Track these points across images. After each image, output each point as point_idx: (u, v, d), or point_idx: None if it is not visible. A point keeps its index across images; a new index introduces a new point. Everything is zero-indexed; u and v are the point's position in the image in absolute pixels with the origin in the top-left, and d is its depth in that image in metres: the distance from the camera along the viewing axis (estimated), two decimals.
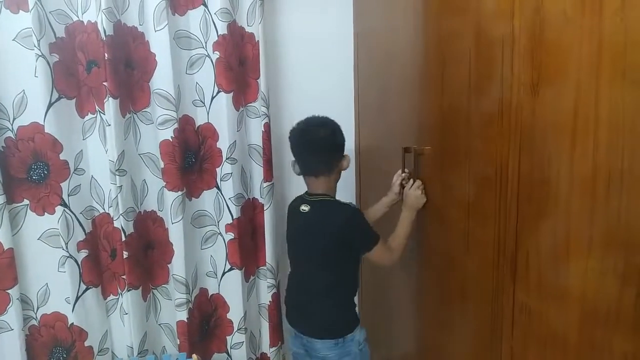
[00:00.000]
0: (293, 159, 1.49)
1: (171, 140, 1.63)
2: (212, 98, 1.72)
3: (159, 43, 1.60)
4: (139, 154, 1.67)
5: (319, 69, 1.90)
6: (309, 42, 1.88)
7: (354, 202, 1.90)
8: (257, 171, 1.79)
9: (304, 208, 1.45)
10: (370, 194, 1.86)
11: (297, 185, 1.65)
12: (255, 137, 1.77)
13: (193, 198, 1.75)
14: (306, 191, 1.49)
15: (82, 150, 1.62)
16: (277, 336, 1.86)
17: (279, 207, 1.83)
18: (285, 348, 1.85)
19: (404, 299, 1.65)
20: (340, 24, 1.91)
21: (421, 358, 1.54)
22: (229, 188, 1.75)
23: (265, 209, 1.78)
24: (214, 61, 1.69)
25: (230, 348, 1.85)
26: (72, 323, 1.63)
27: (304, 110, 1.56)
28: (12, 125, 1.53)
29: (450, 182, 1.27)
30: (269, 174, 1.77)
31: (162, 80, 1.61)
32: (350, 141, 1.76)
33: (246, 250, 1.82)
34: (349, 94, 1.96)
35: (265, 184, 1.77)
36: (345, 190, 1.82)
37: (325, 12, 1.89)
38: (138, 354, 1.66)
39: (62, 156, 1.57)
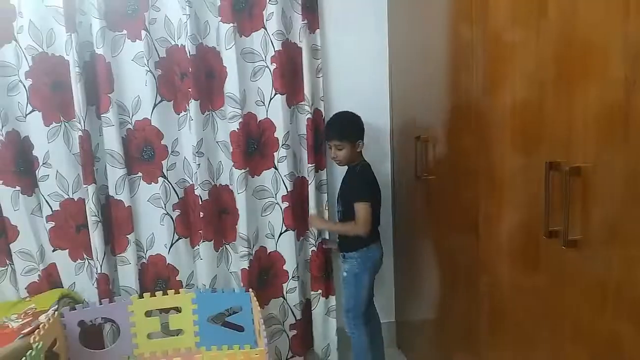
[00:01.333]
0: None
1: (237, 131, 2.18)
2: (270, 99, 2.24)
3: (230, 58, 2.15)
4: (216, 142, 2.25)
5: (358, 74, 2.36)
6: (349, 53, 2.35)
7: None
8: (305, 155, 2.29)
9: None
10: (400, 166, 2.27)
11: (335, 168, 2.19)
12: (303, 128, 2.27)
13: (255, 176, 2.30)
14: None
15: (177, 138, 2.23)
16: (317, 284, 2.34)
17: (320, 189, 2.32)
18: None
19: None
20: (376, 35, 2.35)
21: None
22: (284, 168, 2.27)
23: (309, 184, 2.28)
24: (271, 71, 2.21)
25: (286, 293, 2.37)
26: (169, 263, 2.27)
27: (348, 107, 2.14)
28: (131, 120, 2.18)
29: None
30: (311, 158, 2.26)
31: (232, 86, 2.17)
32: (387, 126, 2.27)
33: (297, 216, 2.33)
34: (384, 96, 2.40)
35: (309, 165, 2.26)
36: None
37: (362, 26, 2.33)
38: (212, 288, 2.25)
39: (163, 142, 2.20)
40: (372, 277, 2.17)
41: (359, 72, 2.37)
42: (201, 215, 2.20)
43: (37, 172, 2.11)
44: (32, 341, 1.66)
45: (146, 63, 2.10)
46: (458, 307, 1.78)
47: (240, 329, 2.11)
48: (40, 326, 1.77)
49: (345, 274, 2.16)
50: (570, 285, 1.10)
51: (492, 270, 1.48)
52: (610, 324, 0.98)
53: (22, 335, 1.81)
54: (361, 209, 2.03)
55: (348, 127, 2.10)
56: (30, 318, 1.95)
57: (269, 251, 2.36)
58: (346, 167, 2.17)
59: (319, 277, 2.34)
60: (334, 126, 2.13)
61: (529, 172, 1.24)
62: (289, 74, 2.23)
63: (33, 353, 1.61)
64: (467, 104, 1.55)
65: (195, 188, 2.21)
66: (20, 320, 1.96)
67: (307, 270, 2.39)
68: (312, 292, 2.36)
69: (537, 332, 1.25)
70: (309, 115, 2.22)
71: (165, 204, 2.21)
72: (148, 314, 2.07)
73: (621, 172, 0.93)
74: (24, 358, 1.56)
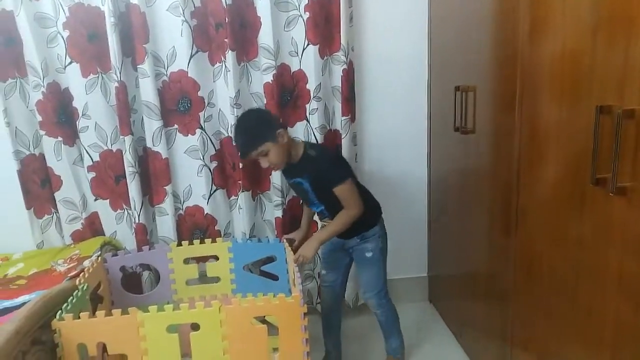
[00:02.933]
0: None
1: (271, 82, 2.17)
2: (303, 49, 2.20)
3: (264, 7, 2.11)
4: (250, 93, 2.25)
5: (393, 21, 2.28)
6: (386, 2, 2.26)
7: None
8: (338, 108, 2.26)
9: None
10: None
11: (371, 121, 2.15)
12: (337, 80, 2.23)
13: (288, 127, 2.29)
14: None
15: (213, 90, 2.24)
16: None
17: (353, 140, 2.29)
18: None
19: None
20: None
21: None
22: (315, 120, 2.25)
23: (342, 137, 2.25)
24: (305, 20, 2.16)
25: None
26: (207, 213, 2.32)
27: (381, 58, 2.02)
28: (166, 71, 2.18)
29: None
30: (346, 110, 2.23)
31: (266, 36, 2.14)
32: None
33: None
34: (422, 44, 2.31)
35: (343, 118, 2.24)
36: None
37: None
38: (249, 238, 2.30)
39: (199, 94, 2.20)
40: None
41: (394, 19, 2.29)
42: (240, 167, 2.22)
43: (77, 123, 2.16)
44: (77, 283, 1.74)
45: (182, 13, 2.08)
46: (494, 259, 1.77)
47: (274, 277, 2.15)
48: (85, 270, 1.85)
49: (370, 254, 1.92)
50: (615, 234, 1.07)
51: (532, 221, 1.45)
52: None
53: (68, 277, 1.90)
54: (344, 190, 1.77)
55: (254, 130, 1.76)
56: (75, 263, 2.04)
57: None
58: (298, 165, 1.83)
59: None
60: (239, 139, 1.80)
61: (576, 118, 1.19)
62: (322, 24, 2.17)
63: (79, 294, 1.69)
64: (512, 51, 1.48)
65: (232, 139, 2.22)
66: (67, 264, 2.06)
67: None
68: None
69: (577, 283, 1.23)
70: (344, 66, 2.17)
71: (202, 156, 2.23)
72: (186, 261, 2.14)
73: None
74: (71, 297, 1.64)
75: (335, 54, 2.21)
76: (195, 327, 1.57)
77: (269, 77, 2.17)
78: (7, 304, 1.80)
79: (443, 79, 2.18)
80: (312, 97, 2.23)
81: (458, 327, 2.26)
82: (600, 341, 1.15)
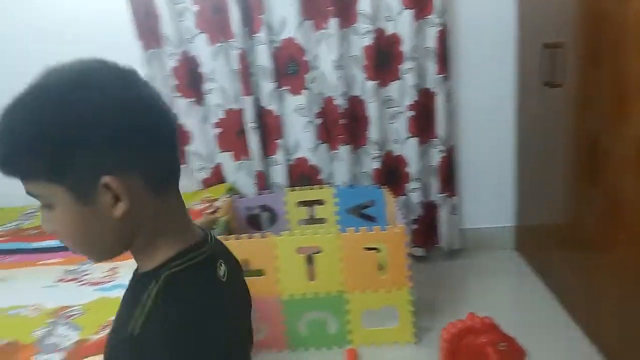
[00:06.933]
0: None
1: (368, 46, 2.42)
2: (398, 14, 2.43)
3: None
4: (350, 56, 2.51)
5: None
6: None
7: None
8: (432, 67, 2.48)
9: (221, 272, 0.76)
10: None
11: (462, 79, 2.41)
12: (431, 41, 2.44)
13: (384, 87, 2.54)
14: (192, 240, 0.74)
15: (317, 54, 2.53)
16: (441, 187, 2.60)
17: (448, 97, 2.51)
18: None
19: None
20: None
21: None
22: (409, 79, 2.48)
23: (436, 95, 2.48)
24: None
25: (409, 192, 2.62)
26: (312, 164, 2.64)
27: (472, 19, 2.23)
28: (278, 38, 2.50)
29: None
30: (441, 69, 2.44)
31: (364, 2, 2.38)
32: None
33: (421, 125, 2.56)
34: (511, 9, 2.46)
35: (437, 76, 2.46)
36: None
37: None
38: (350, 185, 2.61)
39: (305, 58, 2.51)
40: None
41: None
42: (341, 123, 2.52)
43: (205, 86, 2.54)
44: (218, 215, 2.14)
45: None
46: (579, 208, 1.94)
47: (374, 220, 2.46)
48: (221, 207, 2.24)
49: None
50: None
51: (617, 172, 1.61)
52: None
53: (206, 213, 2.31)
54: None
55: (24, 138, 0.61)
56: (208, 203, 2.45)
57: (395, 154, 2.65)
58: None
59: (443, 180, 2.60)
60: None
61: None
62: None
63: (220, 224, 2.09)
64: (601, 7, 1.62)
65: (334, 99, 2.51)
66: (201, 205, 2.47)
67: (431, 173, 2.64)
68: (438, 195, 2.64)
69: None
70: (439, 27, 2.38)
71: (309, 113, 2.55)
72: (298, 205, 2.49)
73: None
74: (214, 226, 2.03)
75: (429, 16, 2.42)
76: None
77: (367, 41, 2.43)
78: None
79: (531, 36, 2.32)
80: (406, 58, 2.46)
81: (546, 274, 2.41)
82: None
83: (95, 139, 0.60)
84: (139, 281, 0.70)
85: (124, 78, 0.65)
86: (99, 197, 0.62)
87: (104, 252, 0.69)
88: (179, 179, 0.74)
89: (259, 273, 1.91)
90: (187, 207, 0.78)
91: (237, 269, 0.85)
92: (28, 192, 0.64)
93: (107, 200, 0.62)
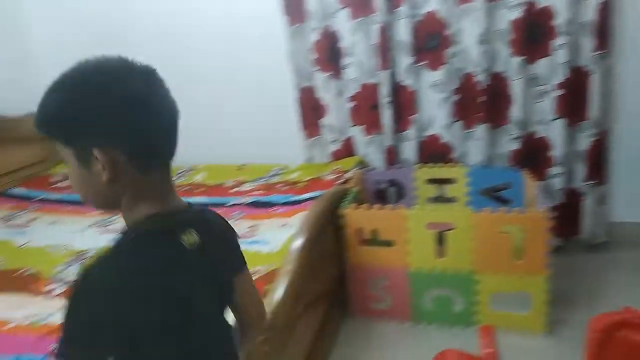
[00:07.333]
0: None
1: (517, 19, 2.28)
2: None
3: None
4: (496, 30, 2.39)
5: None
6: None
7: None
8: (587, 43, 2.26)
9: (191, 239, 0.88)
10: None
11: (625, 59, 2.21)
12: (589, 14, 2.23)
13: (531, 64, 2.38)
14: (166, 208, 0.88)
15: (459, 28, 2.44)
16: (589, 174, 2.39)
17: (605, 75, 2.29)
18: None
19: None
20: None
21: None
22: (561, 56, 2.30)
23: (591, 74, 2.27)
24: None
25: (551, 178, 2.47)
26: (445, 141, 2.59)
27: None
28: (420, 12, 2.45)
29: None
30: (598, 45, 2.22)
31: None
32: None
33: (570, 106, 2.36)
34: None
35: (593, 54, 2.24)
36: None
37: None
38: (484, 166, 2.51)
39: (446, 32, 2.44)
40: None
41: None
42: (479, 100, 2.42)
43: (343, 60, 2.60)
44: (348, 186, 2.20)
45: None
46: None
47: (508, 203, 2.34)
48: (352, 178, 2.30)
49: None
50: None
51: None
52: None
53: (337, 183, 2.39)
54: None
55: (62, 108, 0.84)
56: (339, 174, 2.52)
57: (537, 136, 2.48)
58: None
59: (591, 167, 2.40)
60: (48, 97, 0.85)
61: None
62: None
63: (352, 194, 2.14)
64: None
65: (475, 75, 2.42)
66: (332, 175, 2.55)
67: (578, 159, 2.44)
68: (583, 183, 2.44)
69: None
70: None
71: (446, 90, 2.49)
72: (427, 182, 2.46)
73: None
74: (346, 196, 2.10)
75: None
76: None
77: (515, 14, 2.29)
78: (296, 198, 2.35)
79: None
80: (560, 33, 2.28)
81: None
82: None
83: (99, 124, 0.80)
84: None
85: (134, 76, 0.83)
86: (93, 164, 0.81)
87: (99, 205, 0.89)
88: (170, 159, 0.89)
89: (388, 243, 1.94)
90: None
91: (220, 243, 0.97)
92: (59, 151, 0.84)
93: (98, 168, 0.80)
